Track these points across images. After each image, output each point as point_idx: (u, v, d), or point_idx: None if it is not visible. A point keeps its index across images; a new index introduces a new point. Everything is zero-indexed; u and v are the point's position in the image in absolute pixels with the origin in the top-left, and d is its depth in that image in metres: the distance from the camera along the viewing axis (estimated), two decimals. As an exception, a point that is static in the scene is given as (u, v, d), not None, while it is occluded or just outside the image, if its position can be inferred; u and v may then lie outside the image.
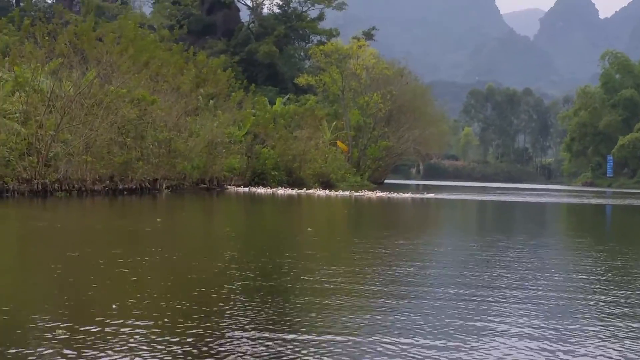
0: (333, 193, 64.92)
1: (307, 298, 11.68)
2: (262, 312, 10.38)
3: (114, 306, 10.52)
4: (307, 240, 22.19)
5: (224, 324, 9.70)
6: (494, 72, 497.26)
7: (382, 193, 66.55)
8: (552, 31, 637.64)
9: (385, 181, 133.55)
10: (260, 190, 64.08)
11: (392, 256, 18.18)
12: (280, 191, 63.70)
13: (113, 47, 48.08)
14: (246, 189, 64.84)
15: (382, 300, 11.69)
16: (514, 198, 74.88)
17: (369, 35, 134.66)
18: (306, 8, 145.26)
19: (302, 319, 10.13)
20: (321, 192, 64.80)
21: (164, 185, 54.83)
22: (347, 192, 66.24)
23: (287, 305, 11.00)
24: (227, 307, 10.72)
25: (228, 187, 65.56)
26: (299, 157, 77.08)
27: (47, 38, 46.89)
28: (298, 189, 67.56)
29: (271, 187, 68.07)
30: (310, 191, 65.71)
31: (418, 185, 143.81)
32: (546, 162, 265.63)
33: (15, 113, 44.21)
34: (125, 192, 49.17)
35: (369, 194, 65.42)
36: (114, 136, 49.21)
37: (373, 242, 21.45)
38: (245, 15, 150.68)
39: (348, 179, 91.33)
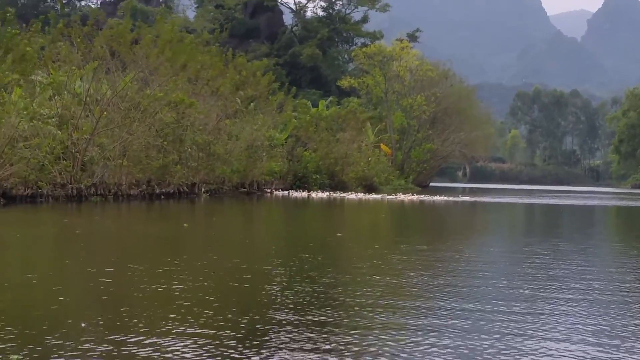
0: (365, 196, 63.75)
1: (350, 313, 10.68)
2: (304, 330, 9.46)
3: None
4: (340, 245, 21.30)
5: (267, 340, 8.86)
6: (541, 74, 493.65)
7: (416, 196, 65.21)
8: (599, 32, 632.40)
9: (431, 184, 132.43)
10: (297, 193, 63.25)
11: (436, 265, 17.05)
12: (314, 194, 62.84)
13: (150, 50, 47.37)
14: (285, 193, 64.02)
15: (432, 318, 10.55)
16: (560, 201, 73.34)
17: (413, 37, 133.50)
18: (350, 10, 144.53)
19: (347, 339, 9.13)
20: (353, 196, 63.66)
21: (203, 190, 54.04)
22: (379, 196, 65.00)
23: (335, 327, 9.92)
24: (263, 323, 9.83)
25: (268, 191, 64.74)
26: (341, 160, 76.08)
27: (81, 40, 46.30)
28: (340, 192, 66.68)
29: (312, 191, 67.23)
30: (344, 194, 64.64)
31: (464, 188, 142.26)
32: (594, 164, 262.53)
33: (52, 117, 43.71)
34: (162, 197, 48.42)
35: (401, 197, 64.16)
36: (152, 140, 48.51)
37: (413, 250, 20.34)
38: (288, 19, 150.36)
39: (392, 182, 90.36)
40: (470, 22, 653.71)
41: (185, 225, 27.32)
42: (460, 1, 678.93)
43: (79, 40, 46.54)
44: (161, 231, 24.96)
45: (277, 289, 12.50)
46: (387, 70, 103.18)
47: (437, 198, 64.26)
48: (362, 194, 67.47)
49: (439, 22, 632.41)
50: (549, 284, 14.14)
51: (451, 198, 66.06)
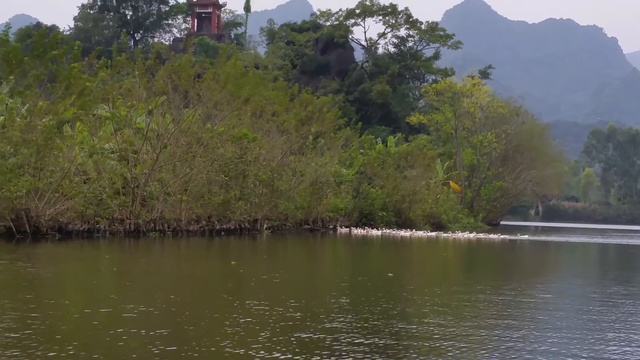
0: (429, 234, 62.74)
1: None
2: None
3: None
4: (400, 286, 20.32)
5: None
6: (616, 112, 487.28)
7: (470, 234, 63.79)
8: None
9: (502, 222, 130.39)
10: (362, 231, 62.17)
11: (502, 312, 15.95)
12: (378, 232, 61.84)
13: (212, 84, 46.83)
14: (347, 230, 63.00)
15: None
16: (631, 241, 71.39)
17: (485, 74, 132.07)
18: (421, 47, 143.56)
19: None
20: (419, 233, 62.61)
21: (265, 226, 53.24)
22: (433, 233, 63.84)
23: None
24: None
25: (332, 228, 63.78)
26: (408, 198, 74.93)
27: (143, 74, 45.88)
28: (406, 230, 65.50)
29: (378, 228, 66.18)
30: (409, 232, 63.43)
31: (536, 227, 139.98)
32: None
33: (113, 151, 43.40)
34: (223, 233, 47.71)
35: (456, 235, 62.83)
36: (213, 175, 47.90)
37: (482, 297, 19.23)
38: (359, 55, 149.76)
39: (460, 220, 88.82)
40: (546, 61, 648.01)
41: (233, 263, 26.39)
42: (536, 40, 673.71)
43: (138, 73, 46.04)
44: (208, 270, 24.20)
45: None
46: (457, 107, 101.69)
47: (492, 236, 62.75)
48: (428, 232, 66.31)
49: (513, 60, 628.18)
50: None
51: (514, 237, 64.38)
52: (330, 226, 63.92)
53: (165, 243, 37.88)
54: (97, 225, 38.91)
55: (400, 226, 70.78)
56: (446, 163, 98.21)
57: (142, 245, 35.94)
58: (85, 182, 38.97)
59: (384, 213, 71.14)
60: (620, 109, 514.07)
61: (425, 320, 14.12)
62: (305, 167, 60.99)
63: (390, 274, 24.00)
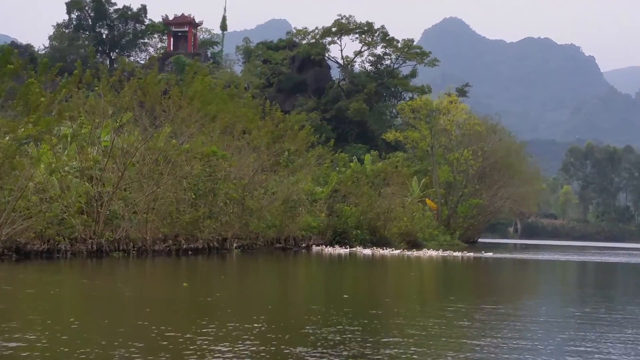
0: (404, 253, 61.71)
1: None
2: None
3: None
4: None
5: None
6: (595, 130, 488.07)
7: (434, 253, 62.75)
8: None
9: (480, 240, 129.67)
10: (335, 250, 61.07)
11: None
12: (350, 251, 60.83)
13: (178, 100, 45.73)
14: (323, 249, 61.89)
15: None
16: (606, 258, 70.66)
17: (462, 92, 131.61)
18: (398, 65, 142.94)
19: None
20: (368, 251, 61.55)
21: (234, 245, 52.10)
22: (396, 252, 62.65)
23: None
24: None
25: (305, 246, 62.68)
26: (383, 215, 73.95)
27: (108, 90, 44.80)
28: (380, 249, 64.48)
29: (352, 247, 65.21)
30: (383, 251, 62.43)
31: (515, 244, 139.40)
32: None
33: (74, 170, 42.28)
34: (190, 252, 46.56)
35: (418, 253, 61.82)
36: (181, 193, 46.81)
37: (430, 315, 18.35)
38: (336, 73, 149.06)
39: (437, 238, 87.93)
40: (524, 79, 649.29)
41: (185, 284, 25.20)
42: (514, 58, 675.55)
43: (102, 89, 44.94)
44: (150, 291, 23.24)
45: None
46: (434, 124, 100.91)
47: (457, 254, 61.68)
48: (402, 250, 65.26)
49: (492, 78, 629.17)
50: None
51: (478, 255, 63.18)
52: (303, 245, 62.79)
53: (125, 263, 36.81)
54: (58, 246, 37.69)
55: (375, 244, 69.72)
56: (422, 180, 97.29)
57: (99, 265, 34.95)
58: (47, 201, 37.76)
59: (358, 231, 70.12)
60: (598, 127, 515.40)
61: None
62: (277, 185, 60.02)
63: (345, 296, 22.98)
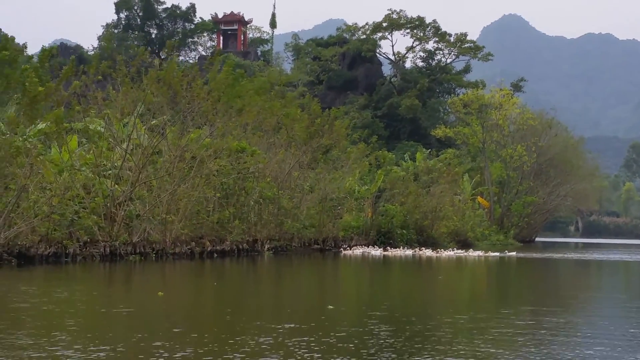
0: (449, 253, 57.91)
1: None
2: None
3: None
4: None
5: None
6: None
7: (452, 252, 58.52)
8: None
9: (537, 239, 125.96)
10: (377, 251, 57.41)
11: None
12: (395, 252, 57.12)
13: (199, 90, 42.76)
14: (365, 250, 58.24)
15: None
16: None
17: (517, 87, 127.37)
18: (451, 60, 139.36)
19: None
20: (409, 252, 57.75)
21: (266, 247, 49.06)
22: (410, 252, 58.44)
23: None
24: None
25: (347, 247, 59.24)
26: (430, 214, 70.64)
27: (127, 83, 42.04)
28: (427, 249, 60.98)
29: (396, 247, 61.81)
30: (430, 252, 58.61)
31: (575, 243, 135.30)
32: None
33: (85, 167, 39.65)
34: (216, 255, 43.66)
35: (429, 253, 57.67)
36: (208, 192, 43.94)
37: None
38: (387, 69, 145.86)
39: (489, 237, 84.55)
40: (585, 75, 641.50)
41: (160, 294, 22.15)
42: (575, 55, 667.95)
43: (120, 81, 42.25)
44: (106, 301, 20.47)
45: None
46: (485, 119, 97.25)
47: (473, 254, 57.62)
48: (454, 250, 61.56)
49: (552, 75, 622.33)
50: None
51: (496, 254, 58.99)
52: (345, 246, 59.51)
53: (138, 268, 34.02)
54: (67, 250, 34.98)
55: (422, 244, 66.40)
56: (474, 178, 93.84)
57: (108, 271, 32.25)
58: (53, 202, 35.06)
59: (404, 231, 66.81)
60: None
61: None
62: (315, 182, 57.00)
63: (330, 307, 19.93)
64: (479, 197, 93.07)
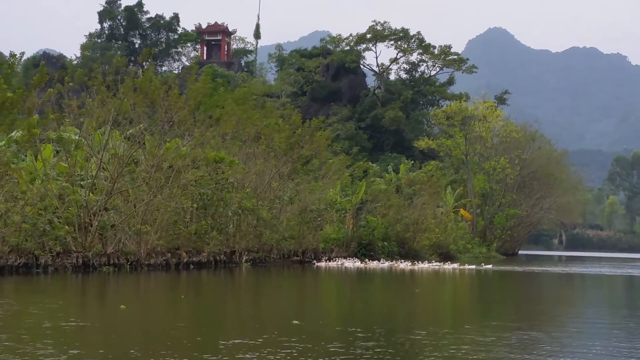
0: (422, 266, 56.88)
1: None
2: None
3: None
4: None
5: None
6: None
7: (426, 265, 57.20)
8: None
9: (520, 252, 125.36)
10: (355, 264, 56.47)
11: None
12: (349, 264, 55.80)
13: (176, 99, 42.09)
14: (338, 263, 56.94)
15: None
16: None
17: (501, 100, 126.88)
18: (434, 72, 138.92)
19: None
20: (385, 265, 56.64)
21: (244, 259, 48.37)
22: (386, 264, 57.08)
23: None
24: None
25: (326, 259, 58.22)
26: (412, 227, 70.07)
27: (102, 91, 41.35)
28: (407, 262, 60.17)
29: (378, 260, 60.95)
30: (408, 265, 57.53)
31: (559, 256, 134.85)
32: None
33: (59, 177, 38.92)
34: (192, 267, 42.93)
35: (404, 265, 56.67)
36: (185, 203, 43.25)
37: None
38: (371, 81, 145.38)
39: (471, 250, 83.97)
40: (570, 89, 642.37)
41: (122, 307, 21.45)
42: (560, 69, 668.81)
43: (95, 89, 41.55)
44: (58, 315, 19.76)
45: None
46: (469, 131, 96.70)
47: (447, 267, 56.57)
48: (432, 263, 60.72)
49: (538, 89, 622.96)
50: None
51: (471, 267, 58.07)
52: (325, 258, 58.73)
53: (109, 280, 33.29)
54: (38, 260, 34.22)
55: (403, 257, 65.82)
56: (457, 190, 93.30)
57: (79, 282, 31.50)
58: (23, 211, 34.33)
59: (386, 243, 66.20)
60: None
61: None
62: (294, 193, 56.33)
63: (295, 322, 19.24)
64: (461, 209, 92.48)
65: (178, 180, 43.22)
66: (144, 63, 58.33)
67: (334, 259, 58.73)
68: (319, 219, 59.13)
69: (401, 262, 59.44)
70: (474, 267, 57.92)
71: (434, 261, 63.16)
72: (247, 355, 13.60)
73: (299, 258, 55.98)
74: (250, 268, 46.75)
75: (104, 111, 42.06)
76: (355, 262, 57.49)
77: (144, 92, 41.01)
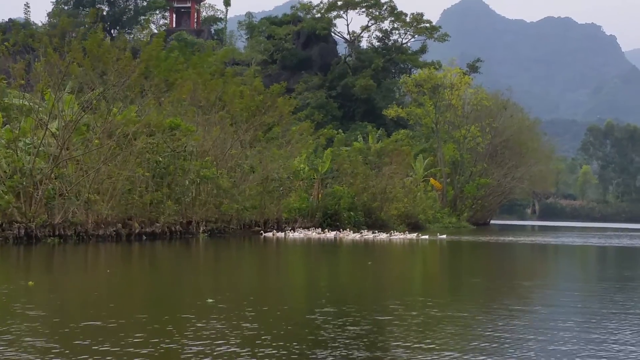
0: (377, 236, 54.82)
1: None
2: None
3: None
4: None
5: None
6: (616, 110, 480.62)
7: (372, 235, 55.62)
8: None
9: (492, 222, 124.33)
10: (313, 233, 54.63)
11: None
12: (293, 234, 53.70)
13: (126, 61, 40.21)
14: (303, 232, 55.06)
15: None
16: (627, 242, 65.04)
17: (473, 68, 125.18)
18: (406, 40, 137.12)
19: None
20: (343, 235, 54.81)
21: (202, 229, 46.68)
22: (332, 235, 54.86)
23: None
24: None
25: (290, 230, 56.29)
26: (379, 196, 68.53)
27: (51, 53, 39.39)
28: (375, 232, 58.24)
29: (342, 230, 59.25)
30: (374, 234, 55.54)
31: (531, 226, 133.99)
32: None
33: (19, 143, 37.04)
34: (145, 238, 41.20)
35: (352, 236, 54.63)
36: (133, 171, 41.40)
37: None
38: (342, 49, 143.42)
39: (441, 220, 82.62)
40: (545, 59, 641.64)
41: (30, 283, 19.77)
42: (535, 38, 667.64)
43: (41, 52, 39.62)
44: None
45: None
46: (439, 99, 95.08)
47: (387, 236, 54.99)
48: (404, 233, 58.66)
49: (512, 59, 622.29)
50: None
51: (432, 237, 56.27)
52: (288, 228, 56.97)
53: (48, 252, 31.58)
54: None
55: (370, 227, 64.22)
56: (427, 159, 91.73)
57: (14, 254, 29.74)
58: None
59: (352, 213, 64.62)
60: (620, 106, 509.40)
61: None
62: (256, 162, 54.56)
63: (210, 300, 17.57)
64: (431, 178, 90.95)
65: (129, 147, 41.41)
66: (89, 23, 55.81)
67: (298, 230, 56.94)
68: (282, 188, 57.37)
69: (346, 233, 57.09)
70: (427, 237, 55.95)
71: (406, 232, 60.99)
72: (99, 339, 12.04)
73: (260, 228, 54.32)
74: (207, 239, 45.18)
75: (53, 75, 40.10)
76: (317, 232, 55.70)
77: (94, 55, 39.06)
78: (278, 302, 18.12)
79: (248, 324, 14.30)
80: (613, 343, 13.64)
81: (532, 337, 14.02)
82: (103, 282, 22.27)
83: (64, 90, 39.88)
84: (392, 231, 59.23)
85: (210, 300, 17.38)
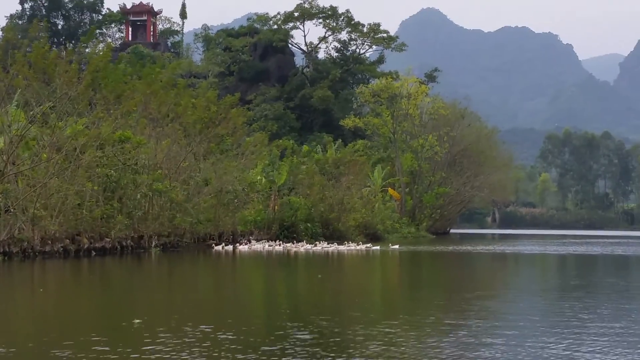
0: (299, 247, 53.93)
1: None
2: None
3: None
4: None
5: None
6: (574, 118, 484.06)
7: (320, 247, 54.43)
8: (631, 75, 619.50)
9: (453, 231, 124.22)
10: (266, 246, 53.62)
11: None
12: (244, 247, 52.69)
13: (73, 75, 39.35)
14: (258, 245, 54.04)
15: None
16: (587, 249, 64.69)
17: (431, 78, 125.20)
18: (364, 50, 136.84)
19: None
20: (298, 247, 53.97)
21: (153, 244, 45.77)
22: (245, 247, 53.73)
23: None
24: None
25: (245, 243, 55.30)
26: (337, 207, 67.93)
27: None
28: (329, 244, 57.34)
29: (298, 242, 58.40)
30: (328, 247, 54.62)
31: (491, 234, 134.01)
32: (628, 208, 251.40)
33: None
34: (94, 253, 40.24)
35: (304, 248, 53.91)
36: (82, 185, 40.45)
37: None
38: (300, 60, 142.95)
39: (400, 230, 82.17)
40: (503, 68, 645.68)
41: None
42: (492, 48, 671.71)
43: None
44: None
45: None
46: (396, 109, 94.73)
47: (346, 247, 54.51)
48: (359, 245, 57.80)
49: (470, 68, 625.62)
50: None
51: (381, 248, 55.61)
52: (244, 241, 56.06)
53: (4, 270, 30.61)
54: None
55: (328, 238, 63.43)
56: (385, 169, 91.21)
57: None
58: None
59: (309, 224, 63.96)
60: (577, 115, 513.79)
61: None
62: (209, 174, 53.71)
63: (137, 321, 16.59)
64: (389, 188, 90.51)
65: (78, 161, 40.50)
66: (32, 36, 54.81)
67: (252, 242, 55.83)
68: (237, 200, 56.54)
69: (297, 245, 56.10)
70: (378, 248, 55.13)
71: (362, 243, 60.16)
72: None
73: (214, 242, 53.40)
74: (160, 253, 44.29)
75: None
76: (272, 245, 54.69)
77: (39, 67, 38.18)
78: (200, 322, 16.94)
79: (161, 347, 13.47)
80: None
81: (459, 353, 13.39)
82: (26, 302, 21.34)
83: (10, 104, 38.92)
84: (346, 242, 58.46)
85: (138, 321, 16.50)
